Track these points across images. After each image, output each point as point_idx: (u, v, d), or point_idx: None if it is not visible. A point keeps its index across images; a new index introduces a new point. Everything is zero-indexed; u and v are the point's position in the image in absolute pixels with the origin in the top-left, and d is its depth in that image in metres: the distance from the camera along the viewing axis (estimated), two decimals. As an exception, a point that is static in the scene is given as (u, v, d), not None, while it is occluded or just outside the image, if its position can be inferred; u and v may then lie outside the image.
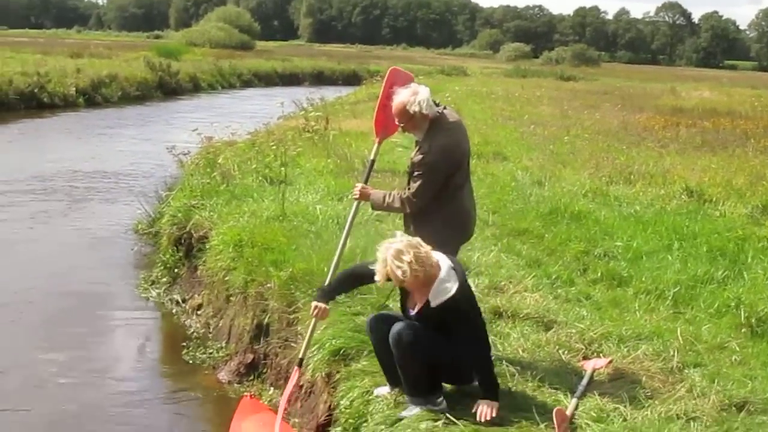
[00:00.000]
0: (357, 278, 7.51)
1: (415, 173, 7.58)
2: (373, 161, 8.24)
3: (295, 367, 7.96)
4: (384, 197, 7.79)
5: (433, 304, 6.63)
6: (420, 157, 7.52)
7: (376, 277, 6.80)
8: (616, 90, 46.66)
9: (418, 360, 6.82)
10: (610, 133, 25.43)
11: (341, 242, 8.24)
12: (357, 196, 7.99)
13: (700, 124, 28.74)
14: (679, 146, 22.98)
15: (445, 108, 7.69)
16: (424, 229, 7.53)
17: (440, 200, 7.59)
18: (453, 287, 6.60)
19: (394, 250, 6.57)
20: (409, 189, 7.64)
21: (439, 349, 6.80)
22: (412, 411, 7.06)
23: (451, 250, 7.43)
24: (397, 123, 7.71)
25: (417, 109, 7.39)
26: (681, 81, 66.65)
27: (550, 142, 22.29)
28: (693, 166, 18.97)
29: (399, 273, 6.53)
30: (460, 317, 6.70)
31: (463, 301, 6.70)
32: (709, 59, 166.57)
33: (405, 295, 7.12)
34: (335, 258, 8.20)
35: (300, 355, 8.16)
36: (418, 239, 6.78)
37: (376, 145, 8.22)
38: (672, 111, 33.66)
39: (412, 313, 6.97)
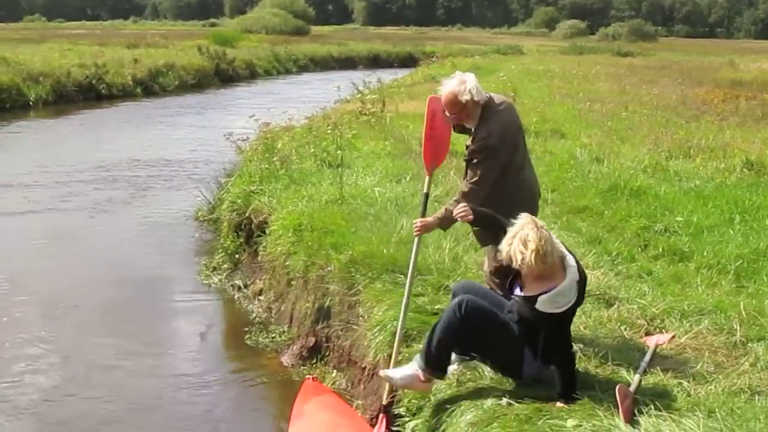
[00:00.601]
0: (497, 221, 7.27)
1: (475, 161, 7.54)
2: (426, 194, 8.08)
3: (381, 415, 7.88)
4: (445, 213, 7.63)
5: (539, 307, 6.56)
6: (480, 143, 7.46)
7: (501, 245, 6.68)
8: (674, 65, 46.22)
9: (457, 336, 6.89)
10: (668, 108, 25.18)
11: (408, 280, 8.00)
12: (418, 232, 7.81)
13: (760, 96, 28.38)
14: (738, 119, 22.73)
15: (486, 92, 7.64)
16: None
17: (506, 181, 7.57)
18: (567, 305, 6.56)
19: (523, 235, 6.47)
20: (469, 179, 7.59)
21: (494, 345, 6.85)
22: (403, 372, 7.27)
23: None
24: (448, 115, 7.63)
25: (468, 97, 7.34)
26: (739, 53, 65.81)
27: (608, 118, 22.11)
28: (753, 139, 18.76)
29: (517, 257, 6.47)
30: (555, 332, 6.68)
31: (564, 319, 6.67)
32: (767, 31, 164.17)
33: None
34: (405, 297, 7.99)
35: (384, 402, 7.95)
36: (552, 234, 6.67)
37: (427, 177, 8.12)
38: (731, 84, 33.25)
39: (517, 291, 6.91)
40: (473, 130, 7.62)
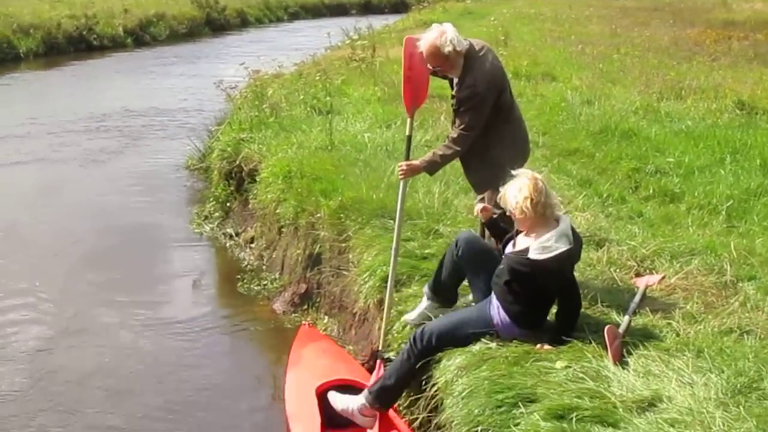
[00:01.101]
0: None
1: (462, 108, 7.48)
2: (409, 137, 7.99)
3: (378, 361, 7.84)
4: (433, 157, 7.64)
5: (531, 255, 6.52)
6: (467, 91, 7.40)
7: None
8: (667, 6, 45.70)
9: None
10: (660, 50, 24.97)
11: (396, 224, 7.89)
12: (403, 175, 7.77)
13: (753, 36, 28.09)
14: (730, 60, 22.53)
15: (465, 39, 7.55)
16: (484, 156, 7.49)
17: (496, 123, 7.51)
18: (556, 251, 6.50)
19: (520, 183, 6.53)
20: (457, 125, 7.53)
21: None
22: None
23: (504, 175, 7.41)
24: (431, 68, 7.56)
25: (450, 48, 7.27)
26: (733, -7, 65.47)
27: (599, 61, 21.92)
28: (745, 80, 18.60)
29: (511, 202, 6.54)
30: (548, 280, 6.63)
31: (550, 271, 6.60)
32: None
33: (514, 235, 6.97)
34: (394, 242, 7.92)
35: (379, 347, 7.93)
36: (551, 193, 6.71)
37: (408, 119, 8.00)
38: (723, 24, 32.94)
39: (509, 248, 6.91)
40: (456, 79, 7.55)
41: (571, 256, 6.62)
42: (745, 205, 10.31)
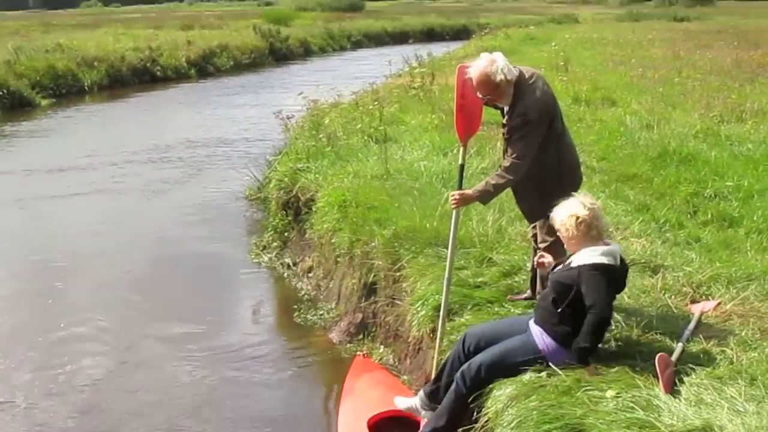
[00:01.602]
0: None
1: (515, 137, 7.42)
2: (462, 165, 7.95)
3: None
4: (486, 186, 7.58)
5: (574, 262, 6.55)
6: (518, 119, 7.35)
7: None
8: (731, 28, 45.49)
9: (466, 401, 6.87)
10: (722, 72, 24.82)
11: (449, 257, 7.92)
12: (456, 204, 7.73)
13: (817, 58, 27.88)
14: (794, 81, 22.35)
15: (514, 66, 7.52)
16: (536, 185, 7.46)
17: (546, 152, 7.46)
18: (594, 260, 6.48)
19: (571, 205, 6.65)
20: (510, 154, 7.48)
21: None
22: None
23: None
24: (481, 97, 7.49)
25: (502, 77, 7.21)
26: (800, 14, 64.83)
27: (660, 84, 21.83)
28: (807, 102, 18.43)
29: (558, 221, 6.69)
30: (589, 285, 6.54)
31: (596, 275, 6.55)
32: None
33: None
34: (446, 271, 7.90)
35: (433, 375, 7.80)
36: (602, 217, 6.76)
37: (461, 148, 7.95)
38: (789, 46, 32.72)
39: (557, 269, 6.88)
40: (507, 107, 7.52)
41: (614, 273, 6.56)
42: (805, 230, 10.17)
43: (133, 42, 40.74)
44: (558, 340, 6.65)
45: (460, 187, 7.88)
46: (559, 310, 6.60)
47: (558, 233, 6.80)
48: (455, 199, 7.69)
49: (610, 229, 10.08)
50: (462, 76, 7.59)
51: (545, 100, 7.42)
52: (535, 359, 6.71)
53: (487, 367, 6.75)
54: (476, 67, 7.32)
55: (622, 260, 6.71)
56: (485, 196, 7.71)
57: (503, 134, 7.70)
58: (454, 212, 7.86)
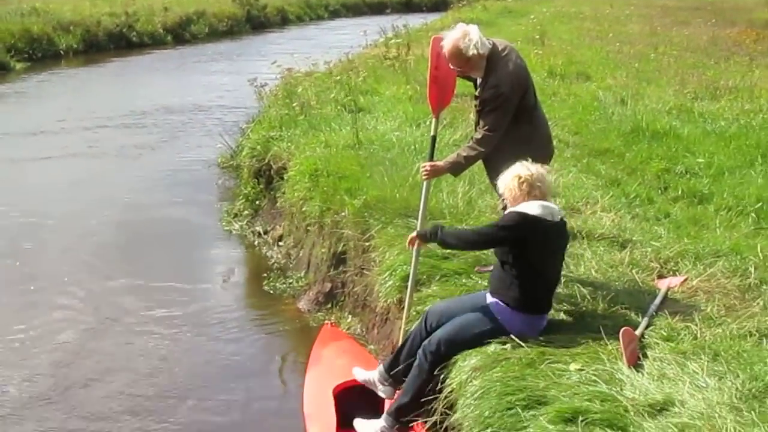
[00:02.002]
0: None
1: (487, 109, 7.40)
2: (434, 137, 7.93)
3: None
4: (457, 158, 7.58)
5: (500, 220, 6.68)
6: (490, 91, 7.32)
7: None
8: (709, 5, 45.29)
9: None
10: (698, 49, 24.79)
11: (419, 225, 7.94)
12: (427, 176, 7.74)
13: (795, 35, 27.90)
14: (770, 59, 22.37)
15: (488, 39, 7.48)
16: (507, 157, 7.43)
17: (519, 123, 7.44)
18: (529, 211, 6.55)
19: (514, 168, 6.76)
20: (481, 126, 7.47)
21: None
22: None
23: None
24: (453, 68, 7.48)
25: (474, 51, 7.18)
26: (778, -8, 64.75)
27: (635, 60, 21.79)
28: (783, 79, 18.46)
29: (502, 184, 6.82)
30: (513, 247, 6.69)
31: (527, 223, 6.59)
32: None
33: None
34: (415, 244, 7.90)
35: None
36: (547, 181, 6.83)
37: (434, 120, 7.94)
38: (765, 24, 32.56)
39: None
40: (479, 79, 7.49)
41: (549, 230, 6.63)
42: (774, 208, 10.19)
43: (109, 7, 40.28)
44: (512, 306, 6.69)
45: (431, 159, 7.87)
46: (506, 273, 6.70)
47: (503, 199, 6.90)
48: (426, 171, 7.68)
49: (579, 203, 10.13)
50: (437, 48, 7.55)
51: (518, 73, 7.38)
52: (493, 330, 6.74)
53: (447, 341, 6.78)
54: (449, 39, 7.28)
55: (564, 226, 6.86)
56: (456, 168, 7.71)
57: (475, 106, 7.68)
58: (424, 183, 7.85)
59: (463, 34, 7.22)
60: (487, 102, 7.37)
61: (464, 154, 7.53)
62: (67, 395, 8.86)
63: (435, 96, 7.85)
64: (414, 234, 7.36)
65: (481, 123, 7.47)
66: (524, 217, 6.52)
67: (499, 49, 7.38)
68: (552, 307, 6.97)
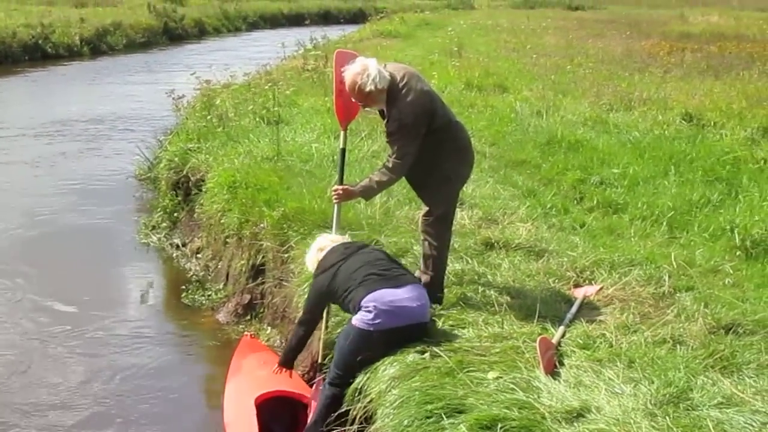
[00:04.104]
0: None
1: (393, 139, 7.38)
2: (343, 150, 8.01)
3: (318, 378, 7.82)
4: (369, 183, 7.54)
5: None
6: (395, 124, 7.27)
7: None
8: (624, 18, 46.10)
9: None
10: (614, 61, 25.17)
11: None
12: (338, 200, 7.79)
13: (706, 48, 28.30)
14: (683, 71, 22.71)
15: (385, 65, 7.48)
16: (433, 175, 7.46)
17: (435, 140, 7.41)
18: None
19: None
20: (391, 154, 7.41)
21: None
22: None
23: (459, 187, 7.83)
24: (355, 101, 7.50)
25: (372, 87, 7.13)
26: (690, 6, 65.50)
27: (552, 72, 22.07)
28: (695, 91, 18.75)
29: None
30: None
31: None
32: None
33: None
34: None
35: (318, 359, 7.94)
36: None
37: (342, 132, 8.04)
38: (679, 36, 33.20)
39: None
40: (383, 112, 7.47)
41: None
42: (687, 217, 10.39)
43: (25, 18, 39.87)
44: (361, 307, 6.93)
45: (341, 172, 7.96)
46: None
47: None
48: (338, 194, 7.72)
49: (496, 214, 10.24)
50: (341, 62, 7.57)
51: (419, 102, 7.27)
52: (368, 340, 6.88)
53: (342, 369, 7.01)
54: (349, 74, 7.25)
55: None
56: (368, 193, 7.73)
57: (385, 137, 7.68)
58: (335, 206, 7.94)
59: (362, 69, 7.18)
60: (393, 134, 7.34)
61: (376, 179, 7.50)
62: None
63: (342, 109, 7.93)
64: None
65: (391, 151, 7.43)
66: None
67: (398, 79, 7.28)
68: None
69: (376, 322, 6.72)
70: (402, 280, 6.98)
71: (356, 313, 6.84)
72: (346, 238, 7.78)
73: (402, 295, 6.84)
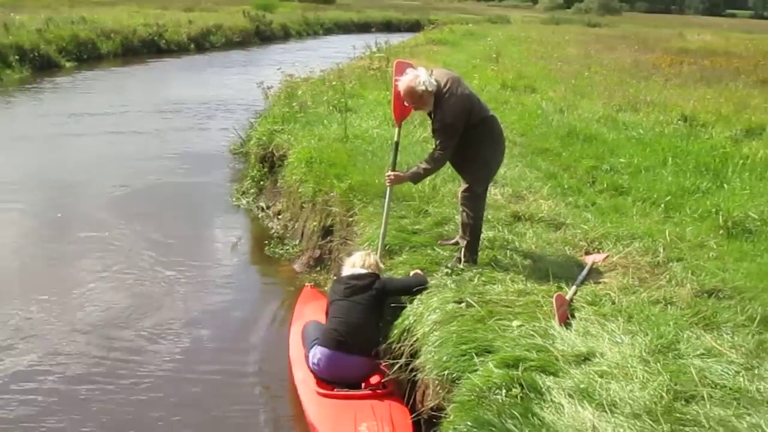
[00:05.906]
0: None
1: (438, 134, 7.40)
2: (397, 143, 8.00)
3: None
4: (417, 170, 7.59)
5: None
6: (438, 123, 7.34)
7: None
8: (633, 35, 45.43)
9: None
10: (623, 70, 24.88)
11: (383, 226, 8.17)
12: (390, 183, 7.86)
13: (701, 62, 27.92)
14: (681, 80, 22.44)
15: (432, 72, 7.47)
16: (476, 160, 7.50)
17: (476, 135, 7.41)
18: None
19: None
20: (436, 147, 7.44)
21: None
22: None
23: (495, 169, 7.83)
24: (408, 105, 7.57)
25: (423, 89, 7.19)
26: (688, 27, 64.58)
27: (572, 77, 21.83)
28: (690, 97, 18.53)
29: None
30: None
31: None
32: (713, 9, 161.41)
33: None
34: (380, 238, 8.20)
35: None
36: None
37: (396, 128, 8.06)
38: (678, 52, 32.73)
39: None
40: (431, 113, 7.47)
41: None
42: (680, 200, 10.29)
43: (143, 19, 40.04)
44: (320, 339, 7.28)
45: (394, 162, 7.98)
46: None
47: None
48: (390, 179, 7.80)
49: (523, 192, 10.22)
50: (399, 70, 7.62)
51: (459, 104, 7.27)
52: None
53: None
54: (403, 82, 7.32)
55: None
56: (416, 178, 7.77)
57: (431, 132, 7.71)
58: (388, 189, 7.98)
59: (414, 77, 7.26)
60: (437, 131, 7.37)
61: (423, 166, 7.54)
62: (105, 332, 8.88)
63: (398, 109, 7.96)
64: None
65: (436, 144, 7.46)
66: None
67: (442, 85, 7.32)
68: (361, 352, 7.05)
69: None
70: None
71: None
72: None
73: None
